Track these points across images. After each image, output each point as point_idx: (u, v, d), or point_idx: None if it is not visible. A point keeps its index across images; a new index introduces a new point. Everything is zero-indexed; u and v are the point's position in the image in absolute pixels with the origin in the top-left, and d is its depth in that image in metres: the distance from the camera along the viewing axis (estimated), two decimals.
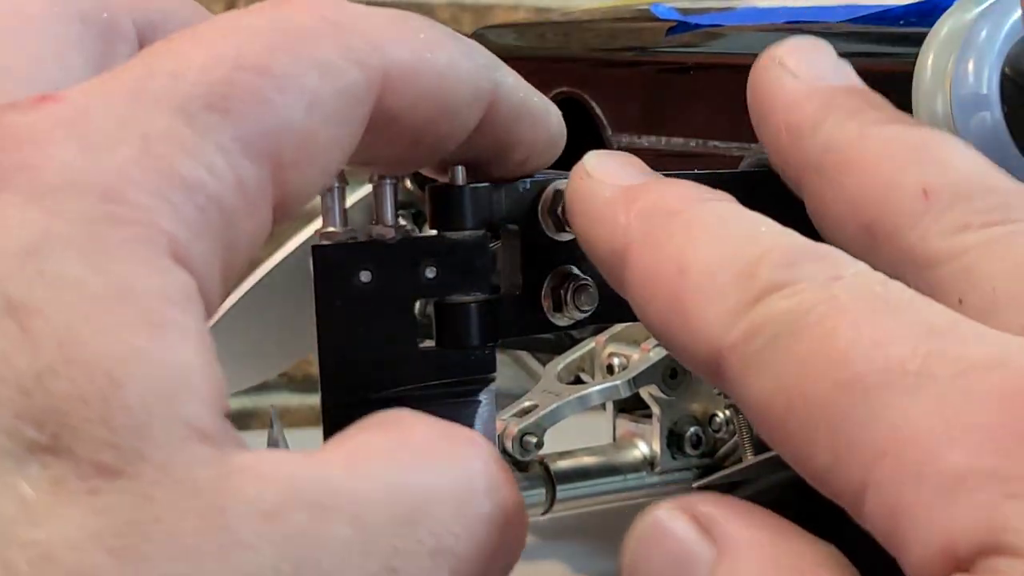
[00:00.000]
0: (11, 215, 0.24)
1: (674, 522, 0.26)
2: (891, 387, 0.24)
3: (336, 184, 0.31)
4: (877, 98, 0.33)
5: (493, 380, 0.32)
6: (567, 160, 0.38)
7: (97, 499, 0.22)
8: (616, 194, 0.31)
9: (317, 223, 0.31)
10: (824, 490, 0.26)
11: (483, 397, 0.32)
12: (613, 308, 0.35)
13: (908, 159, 0.30)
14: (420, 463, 0.25)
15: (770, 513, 0.26)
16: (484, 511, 0.25)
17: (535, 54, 0.61)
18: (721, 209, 0.29)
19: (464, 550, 0.25)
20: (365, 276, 0.30)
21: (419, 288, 0.31)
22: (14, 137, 0.24)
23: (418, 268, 0.31)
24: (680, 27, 0.54)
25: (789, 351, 0.26)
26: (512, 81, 0.32)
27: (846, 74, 0.34)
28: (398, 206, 0.32)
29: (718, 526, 0.26)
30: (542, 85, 0.57)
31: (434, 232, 0.32)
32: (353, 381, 0.30)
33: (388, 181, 0.31)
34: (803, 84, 0.33)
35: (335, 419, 0.30)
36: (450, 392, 0.32)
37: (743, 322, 0.26)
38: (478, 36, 0.63)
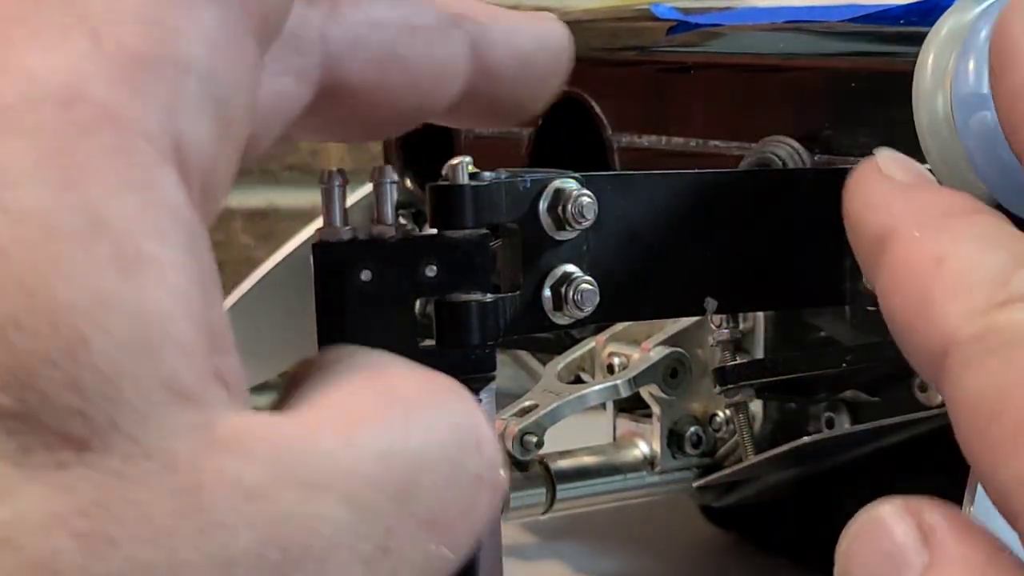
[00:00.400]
0: None
1: (896, 523, 0.26)
2: None
3: (336, 183, 0.30)
4: None
5: (493, 379, 0.32)
6: (567, 160, 0.39)
7: (64, 474, 0.20)
8: (896, 186, 0.32)
9: (317, 223, 0.31)
10: (1001, 504, 0.25)
11: (483, 396, 0.32)
12: (613, 307, 0.35)
13: None
14: (412, 423, 0.23)
15: (989, 535, 0.25)
16: (472, 472, 0.24)
17: None
18: (993, 220, 0.30)
19: (454, 516, 0.23)
20: (365, 275, 0.30)
21: (419, 287, 0.31)
22: None
23: (418, 267, 0.31)
24: (680, 27, 0.54)
25: (1015, 361, 0.26)
26: (491, 29, 0.30)
27: None
28: (398, 205, 0.32)
29: (936, 535, 0.26)
30: None
31: (434, 231, 0.32)
32: None
33: (388, 180, 0.31)
34: None
35: None
36: None
37: (982, 321, 0.27)
38: None
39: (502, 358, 0.33)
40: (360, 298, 0.30)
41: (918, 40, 0.40)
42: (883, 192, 0.32)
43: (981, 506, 0.32)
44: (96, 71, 0.21)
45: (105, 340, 0.20)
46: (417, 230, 0.32)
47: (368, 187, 0.33)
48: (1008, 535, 0.25)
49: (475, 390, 0.32)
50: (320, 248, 0.30)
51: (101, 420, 0.20)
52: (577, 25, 0.63)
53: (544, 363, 0.53)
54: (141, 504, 0.20)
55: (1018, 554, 0.25)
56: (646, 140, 0.53)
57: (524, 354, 0.62)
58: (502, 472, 0.25)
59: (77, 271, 0.20)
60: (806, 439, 0.47)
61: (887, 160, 0.33)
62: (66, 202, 0.21)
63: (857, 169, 0.33)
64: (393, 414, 0.23)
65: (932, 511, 0.26)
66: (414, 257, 0.31)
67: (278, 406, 0.23)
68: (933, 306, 0.28)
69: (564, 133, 0.56)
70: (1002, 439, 0.25)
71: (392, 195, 0.31)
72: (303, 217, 0.87)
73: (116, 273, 0.21)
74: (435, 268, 0.31)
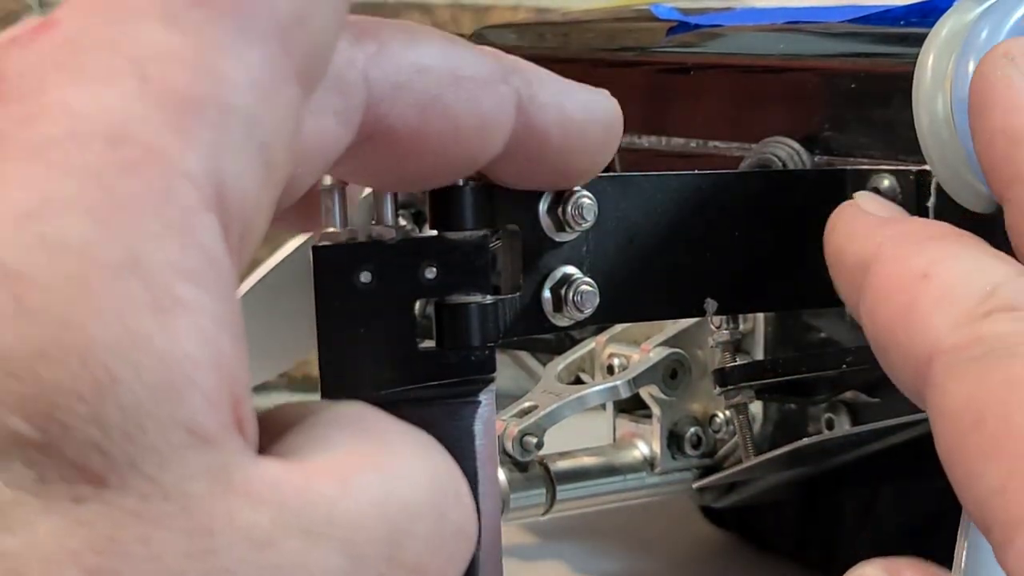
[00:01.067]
0: (11, 174, 0.21)
1: None
2: None
3: (336, 184, 0.30)
4: None
5: (493, 380, 0.32)
6: None
7: (80, 508, 0.20)
8: (878, 219, 0.33)
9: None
10: (976, 513, 0.26)
11: (483, 398, 0.32)
12: (613, 309, 0.35)
13: None
14: (403, 472, 0.24)
15: None
16: (454, 521, 0.24)
17: (535, 54, 0.61)
18: (976, 242, 0.31)
19: (439, 564, 0.24)
20: (365, 276, 0.30)
21: (419, 288, 0.31)
22: (14, 79, 0.22)
23: (418, 268, 0.31)
24: (680, 27, 0.54)
25: (998, 369, 0.26)
26: (541, 90, 0.31)
27: None
28: (398, 206, 0.31)
29: None
30: None
31: (434, 232, 0.32)
32: (353, 382, 0.30)
33: None
34: None
35: None
36: (450, 393, 0.32)
37: (966, 330, 0.27)
38: (478, 36, 0.63)
39: (502, 359, 0.33)
40: (360, 300, 0.30)
41: (918, 41, 0.40)
42: (865, 223, 0.33)
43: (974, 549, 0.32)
44: (143, 112, 0.22)
45: (133, 379, 0.21)
46: (417, 231, 0.32)
47: (367, 188, 0.33)
48: None
49: (475, 391, 0.32)
50: (320, 250, 0.30)
51: (121, 458, 0.20)
52: (577, 25, 0.63)
53: (544, 364, 0.53)
54: (153, 544, 0.21)
55: None
56: (646, 141, 0.53)
57: (524, 355, 0.62)
58: (475, 523, 0.25)
59: (111, 308, 0.21)
60: (806, 440, 0.47)
61: (867, 199, 0.35)
62: (105, 238, 0.21)
63: (837, 210, 0.35)
64: (385, 463, 0.24)
65: (911, 572, 0.26)
66: (414, 259, 0.31)
67: (263, 447, 0.23)
68: (918, 317, 0.28)
69: None
70: (981, 447, 0.25)
71: (392, 196, 0.31)
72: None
73: (149, 314, 0.21)
74: (435, 270, 0.31)
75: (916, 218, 0.34)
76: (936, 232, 0.32)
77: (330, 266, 0.30)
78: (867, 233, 0.33)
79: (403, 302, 0.31)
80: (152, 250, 0.21)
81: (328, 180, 0.30)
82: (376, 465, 0.24)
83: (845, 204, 0.35)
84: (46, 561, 0.20)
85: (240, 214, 0.23)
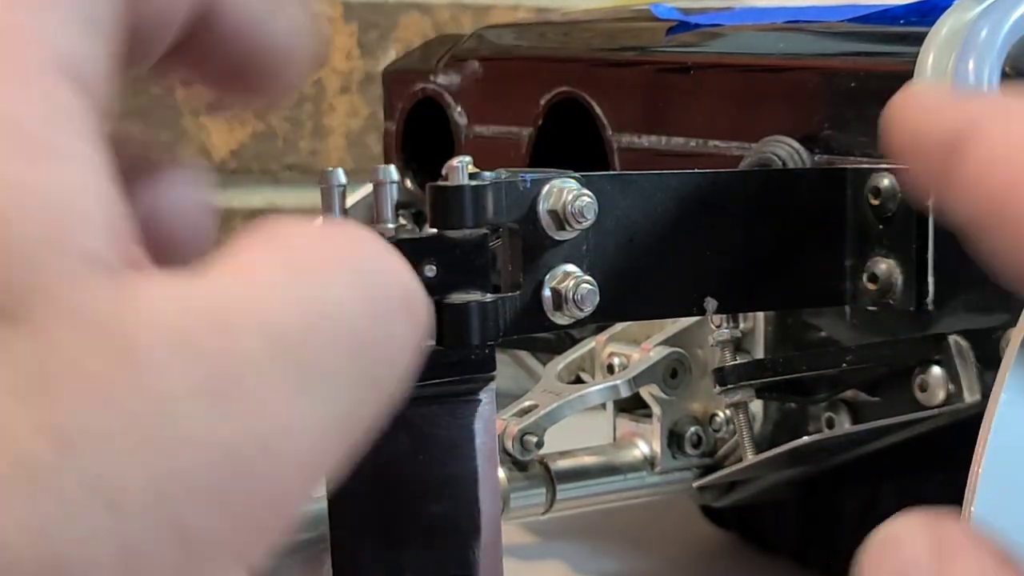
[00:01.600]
0: None
1: (910, 538, 0.26)
2: None
3: (336, 183, 0.30)
4: None
5: (493, 379, 0.32)
6: (567, 161, 0.39)
7: (2, 349, 0.21)
8: (951, 94, 0.30)
9: (316, 223, 0.31)
10: None
11: (483, 396, 0.32)
12: (613, 307, 0.35)
13: None
14: (315, 267, 0.24)
15: (1000, 544, 0.25)
16: (390, 301, 0.25)
17: (535, 54, 0.61)
18: None
19: (378, 342, 0.24)
20: None
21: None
22: None
23: (419, 267, 0.31)
24: (680, 27, 0.54)
25: None
26: None
27: None
28: (398, 205, 0.32)
29: (949, 548, 0.26)
30: (542, 85, 0.57)
31: (435, 231, 0.32)
32: None
33: (389, 180, 0.31)
34: None
35: None
36: (450, 391, 0.32)
37: None
38: (478, 36, 0.63)
39: (502, 358, 0.33)
40: None
41: (918, 40, 0.40)
42: (938, 97, 0.30)
43: (983, 506, 0.32)
44: None
45: (23, 217, 0.21)
46: (417, 230, 0.32)
47: (368, 187, 0.33)
48: (1014, 536, 0.25)
49: (475, 390, 0.32)
50: None
51: (27, 290, 0.21)
52: (577, 25, 0.63)
53: (544, 363, 0.53)
54: (79, 365, 0.21)
55: None
56: (646, 140, 0.53)
57: (524, 354, 0.62)
58: (423, 302, 0.25)
59: None
60: (806, 439, 0.47)
61: (926, 84, 0.31)
62: None
63: (900, 96, 0.31)
64: (297, 260, 0.24)
65: (946, 524, 0.26)
66: (414, 257, 0.31)
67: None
68: None
69: (564, 133, 0.56)
70: None
71: (392, 195, 0.31)
72: (303, 217, 0.87)
73: (26, 162, 0.22)
74: (435, 268, 0.31)
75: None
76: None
77: None
78: (947, 104, 0.29)
79: None
80: (17, 105, 0.22)
81: (327, 179, 0.30)
82: (284, 267, 0.24)
83: (908, 90, 0.31)
84: None
85: (89, 84, 0.24)
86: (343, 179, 0.31)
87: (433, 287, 0.31)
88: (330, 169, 0.30)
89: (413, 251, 0.31)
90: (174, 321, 0.22)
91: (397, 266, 0.25)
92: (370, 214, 0.32)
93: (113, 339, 0.22)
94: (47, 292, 0.21)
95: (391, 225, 0.31)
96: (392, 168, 0.31)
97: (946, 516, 0.26)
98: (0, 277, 0.21)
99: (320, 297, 0.24)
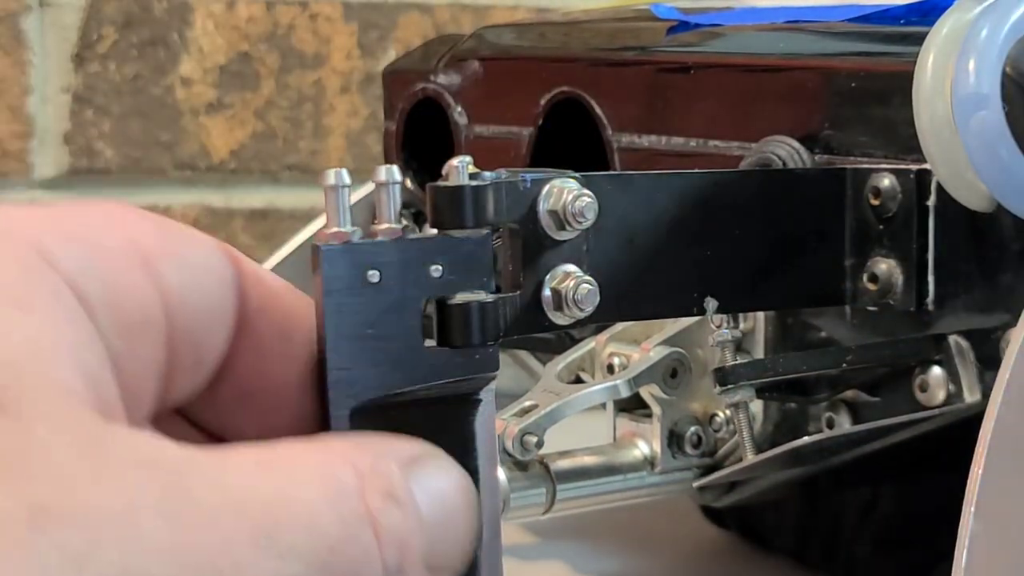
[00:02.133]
0: None
1: None
2: None
3: (342, 183, 0.30)
4: None
5: (494, 378, 0.32)
6: (567, 161, 0.39)
7: None
8: None
9: (317, 223, 0.31)
10: None
11: (484, 396, 0.32)
12: (614, 307, 0.35)
13: None
14: (288, 469, 0.26)
15: None
16: (356, 511, 0.26)
17: (535, 54, 0.61)
18: None
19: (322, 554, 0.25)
20: (373, 276, 0.30)
21: (426, 287, 0.31)
22: None
23: (425, 267, 0.31)
24: (680, 27, 0.54)
25: None
26: (253, 266, 0.30)
27: None
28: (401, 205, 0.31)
29: None
30: (542, 85, 0.57)
31: (440, 231, 0.32)
32: (362, 384, 0.30)
33: (393, 180, 0.31)
34: None
35: (341, 420, 0.30)
36: (453, 392, 0.32)
37: None
38: (477, 36, 0.63)
39: (502, 358, 0.33)
40: (369, 299, 0.30)
41: (918, 40, 0.40)
42: None
43: (982, 506, 0.32)
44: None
45: (10, 342, 0.24)
46: (418, 231, 0.32)
47: (368, 186, 0.33)
48: (1014, 536, 0.25)
49: (476, 390, 0.32)
50: (330, 250, 0.30)
51: (11, 395, 0.23)
52: (577, 25, 0.63)
53: (544, 363, 0.53)
54: (52, 457, 0.23)
55: None
56: (646, 140, 0.53)
57: (524, 354, 0.62)
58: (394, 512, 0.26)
59: None
60: (806, 439, 0.47)
61: None
62: None
63: None
64: (275, 459, 0.26)
65: None
66: (421, 257, 0.31)
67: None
68: None
69: (564, 133, 0.56)
70: None
71: (396, 196, 0.31)
72: (303, 217, 0.87)
73: (10, 306, 0.24)
74: (440, 268, 0.31)
75: None
76: None
77: (340, 266, 0.30)
78: None
79: (410, 301, 0.31)
80: (3, 272, 0.25)
81: (331, 179, 0.30)
82: (261, 459, 0.26)
83: None
84: None
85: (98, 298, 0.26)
86: (348, 179, 0.30)
87: (439, 286, 0.31)
88: (335, 169, 0.30)
89: (420, 251, 0.31)
90: (142, 447, 0.24)
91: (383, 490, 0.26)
92: (370, 213, 0.32)
93: (89, 442, 0.23)
94: (30, 401, 0.23)
95: (398, 226, 0.31)
96: (395, 168, 0.31)
97: None
98: None
99: (281, 498, 0.25)
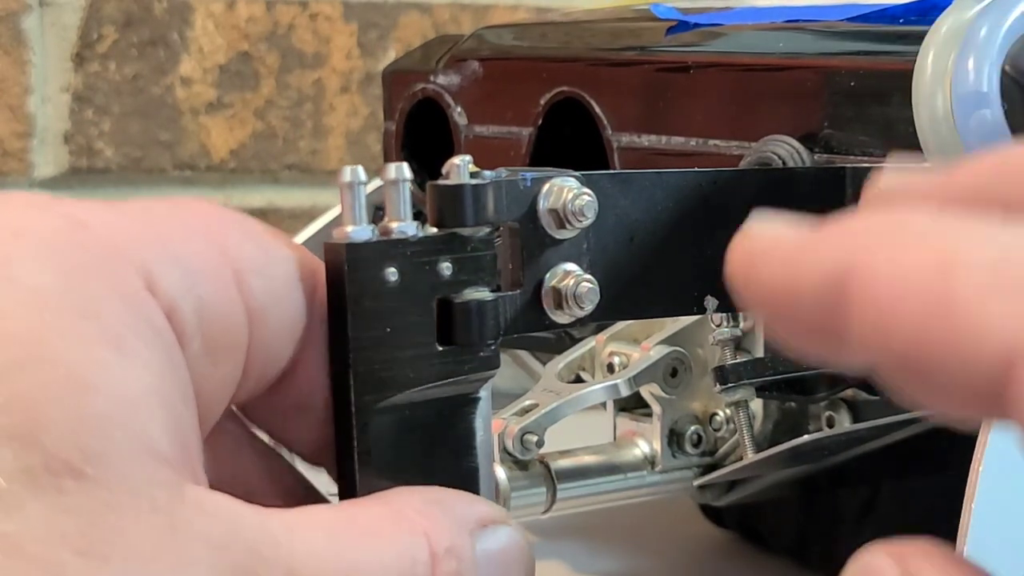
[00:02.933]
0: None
1: (882, 569, 0.24)
2: None
3: (358, 180, 0.30)
4: None
5: (492, 376, 0.32)
6: (568, 160, 0.39)
7: (65, 498, 0.23)
8: (811, 233, 0.25)
9: (317, 223, 0.31)
10: None
11: (483, 393, 0.32)
12: (614, 306, 0.35)
13: None
14: (361, 540, 0.27)
15: (974, 568, 0.23)
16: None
17: (535, 54, 0.61)
18: (966, 216, 0.23)
19: None
20: (392, 274, 0.30)
21: (438, 285, 0.31)
22: None
23: (437, 265, 0.31)
24: (680, 27, 0.54)
25: None
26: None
27: None
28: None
29: None
30: (542, 85, 0.57)
31: (450, 230, 0.32)
32: (384, 384, 0.30)
33: (403, 178, 0.31)
34: None
35: (365, 421, 0.30)
36: (457, 390, 0.32)
37: None
38: (477, 36, 0.63)
39: (502, 358, 0.33)
40: (387, 298, 0.30)
41: (917, 39, 0.40)
42: (798, 240, 0.25)
43: (982, 505, 0.32)
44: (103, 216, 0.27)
45: (103, 391, 0.24)
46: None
47: (373, 183, 0.33)
48: (1013, 534, 0.25)
49: (478, 387, 0.32)
50: (351, 247, 0.30)
51: (96, 455, 0.23)
52: (577, 25, 0.63)
53: (544, 363, 0.53)
54: (129, 533, 0.23)
55: None
56: (646, 140, 0.53)
57: (524, 354, 0.62)
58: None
59: (74, 338, 0.24)
60: (806, 438, 0.47)
61: (763, 223, 0.26)
62: (66, 285, 0.25)
63: (735, 244, 0.25)
64: (345, 530, 0.27)
65: (916, 555, 0.23)
66: (434, 255, 0.31)
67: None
68: (968, 319, 0.22)
69: (564, 133, 0.56)
70: None
71: (406, 194, 0.31)
72: (303, 217, 0.87)
73: (108, 347, 0.24)
74: (451, 266, 0.31)
75: (859, 210, 0.25)
76: (912, 213, 0.24)
77: (361, 264, 0.30)
78: (812, 244, 0.24)
79: (425, 300, 0.31)
80: (105, 303, 0.25)
81: (348, 176, 0.30)
82: (330, 526, 0.27)
83: (748, 239, 0.25)
84: (40, 540, 0.23)
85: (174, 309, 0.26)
86: (364, 176, 0.30)
87: (449, 284, 0.31)
88: (350, 166, 0.30)
89: (434, 249, 0.31)
90: (215, 529, 0.25)
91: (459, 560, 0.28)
92: (373, 211, 0.32)
93: (163, 524, 0.24)
94: (113, 462, 0.24)
95: (413, 224, 0.31)
96: (405, 166, 0.31)
97: (915, 546, 0.24)
98: (75, 436, 0.23)
99: (355, 565, 0.26)
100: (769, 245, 0.25)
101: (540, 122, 0.57)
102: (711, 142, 0.50)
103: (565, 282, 0.34)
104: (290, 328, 0.29)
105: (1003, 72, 0.38)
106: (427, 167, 0.63)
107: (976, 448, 0.36)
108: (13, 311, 0.24)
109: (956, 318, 0.22)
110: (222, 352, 0.27)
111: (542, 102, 0.56)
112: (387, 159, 0.65)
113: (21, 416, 0.23)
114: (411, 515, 0.28)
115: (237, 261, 0.28)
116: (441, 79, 0.62)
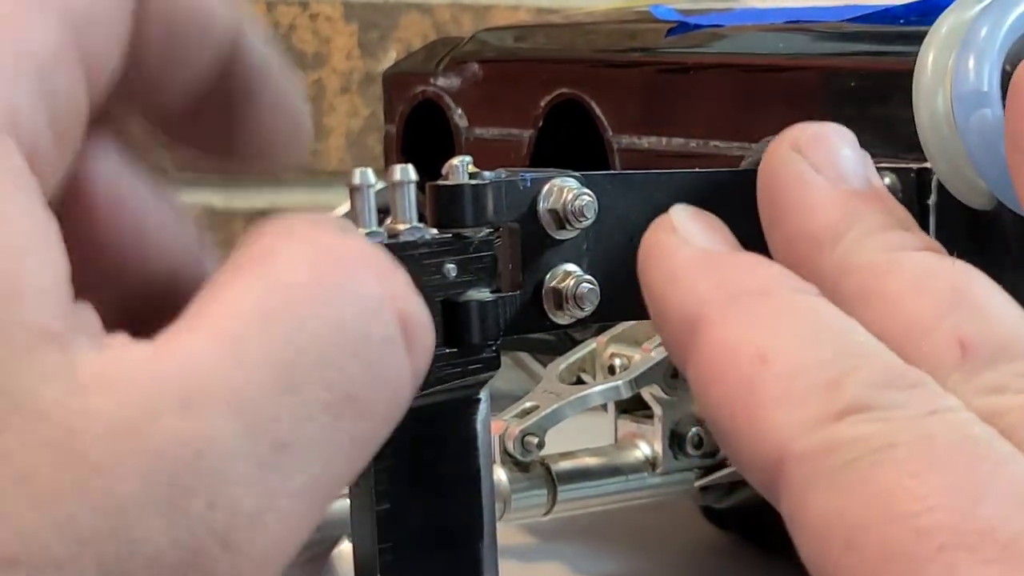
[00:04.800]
0: None
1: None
2: (974, 554, 0.22)
3: (367, 183, 0.30)
4: (901, 210, 0.30)
5: (491, 378, 0.32)
6: (568, 162, 0.38)
7: None
8: (699, 257, 0.28)
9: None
10: None
11: (482, 395, 0.32)
12: (614, 307, 0.35)
13: (944, 302, 0.27)
14: (296, 310, 0.22)
15: None
16: (378, 337, 0.23)
17: (535, 55, 0.61)
18: (815, 304, 0.27)
19: (363, 386, 0.23)
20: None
21: (443, 287, 0.31)
22: None
23: (443, 267, 0.31)
24: (680, 28, 0.54)
25: (867, 484, 0.23)
26: (256, 38, 0.27)
27: (869, 173, 0.31)
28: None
29: None
30: (542, 87, 0.57)
31: (453, 231, 0.32)
32: None
33: (408, 180, 0.31)
34: (825, 185, 0.30)
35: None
36: (457, 393, 0.32)
37: (821, 434, 0.24)
38: (477, 38, 0.63)
39: (503, 359, 0.33)
40: None
41: (918, 39, 0.40)
42: (684, 263, 0.28)
43: None
44: None
45: None
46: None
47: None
48: None
49: (477, 390, 0.32)
50: None
51: None
52: (579, 27, 0.63)
53: (545, 365, 0.53)
54: (18, 462, 0.19)
55: None
56: (646, 141, 0.53)
57: (525, 356, 0.62)
58: (423, 327, 0.24)
59: None
60: None
61: (683, 220, 0.30)
62: None
63: (652, 231, 0.30)
64: (277, 309, 0.22)
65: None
66: (440, 256, 0.31)
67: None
68: (759, 411, 0.25)
69: (564, 134, 0.56)
70: (861, 570, 0.23)
71: (412, 196, 0.31)
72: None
73: None
74: (455, 267, 0.31)
75: (741, 256, 0.29)
76: (769, 285, 0.27)
77: None
78: (689, 278, 0.28)
79: (431, 301, 0.31)
80: None
81: (357, 179, 0.30)
82: (261, 316, 0.22)
83: (658, 225, 0.30)
84: None
85: (33, 143, 0.22)
86: (373, 179, 0.30)
87: (452, 286, 0.31)
88: (359, 169, 0.30)
89: (441, 250, 0.31)
90: (125, 409, 0.20)
91: (398, 292, 0.24)
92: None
93: (56, 433, 0.20)
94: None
95: (420, 225, 0.31)
96: (410, 167, 0.31)
97: None
98: None
99: (301, 348, 0.22)
100: (664, 250, 0.29)
101: (540, 124, 0.57)
102: (712, 143, 0.50)
103: (565, 283, 0.34)
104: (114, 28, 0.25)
105: (1004, 71, 0.38)
106: (428, 170, 0.63)
107: None
108: None
109: (753, 410, 0.25)
110: (71, 121, 0.24)
111: (542, 104, 0.56)
112: (388, 162, 0.66)
113: None
114: (346, 249, 0.24)
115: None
116: (441, 81, 0.62)
